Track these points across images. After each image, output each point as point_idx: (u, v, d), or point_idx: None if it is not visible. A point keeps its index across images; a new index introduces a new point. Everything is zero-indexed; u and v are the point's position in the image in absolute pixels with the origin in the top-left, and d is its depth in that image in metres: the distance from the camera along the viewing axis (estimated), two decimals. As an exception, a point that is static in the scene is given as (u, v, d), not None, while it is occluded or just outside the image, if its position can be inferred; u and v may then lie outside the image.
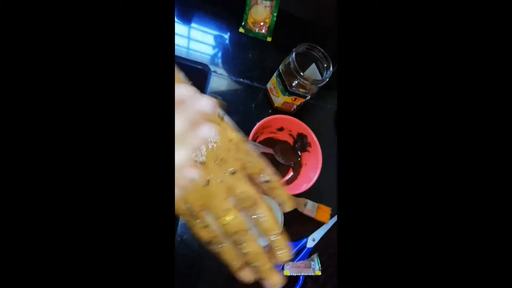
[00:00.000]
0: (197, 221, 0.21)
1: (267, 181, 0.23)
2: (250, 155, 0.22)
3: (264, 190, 0.23)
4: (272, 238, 0.22)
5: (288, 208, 0.24)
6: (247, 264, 0.22)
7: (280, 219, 0.42)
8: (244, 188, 0.21)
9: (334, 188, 0.46)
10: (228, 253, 0.22)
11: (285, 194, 0.23)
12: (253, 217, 0.21)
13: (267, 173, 0.23)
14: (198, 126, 0.20)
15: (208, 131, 0.20)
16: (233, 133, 0.22)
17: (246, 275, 0.22)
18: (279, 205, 0.24)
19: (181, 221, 0.40)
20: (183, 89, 0.20)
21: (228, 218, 0.21)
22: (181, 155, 0.19)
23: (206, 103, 0.20)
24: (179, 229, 0.40)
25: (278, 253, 0.22)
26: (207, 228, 0.21)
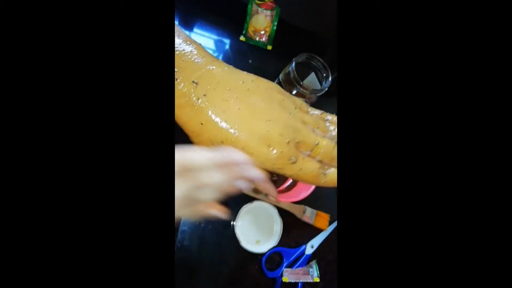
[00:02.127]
0: (295, 163, 0.22)
1: (314, 114, 0.26)
2: (292, 96, 0.26)
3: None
4: None
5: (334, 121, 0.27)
6: None
7: (280, 226, 0.42)
8: (310, 117, 0.25)
9: (332, 195, 0.47)
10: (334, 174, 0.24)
11: (333, 119, 0.27)
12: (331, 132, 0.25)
13: (311, 108, 0.27)
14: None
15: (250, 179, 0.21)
16: (272, 83, 0.26)
17: None
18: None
19: (181, 227, 0.41)
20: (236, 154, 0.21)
21: (319, 140, 0.24)
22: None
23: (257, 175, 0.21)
24: (179, 235, 0.40)
25: None
26: (311, 163, 0.23)
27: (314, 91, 0.40)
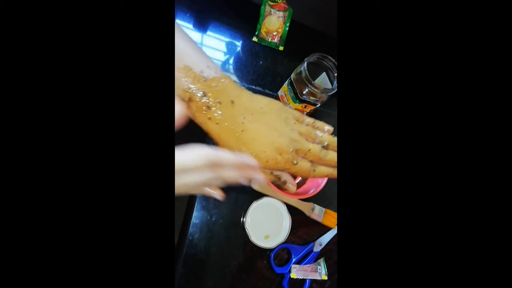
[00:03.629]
0: (296, 164, 0.32)
1: (307, 123, 0.36)
2: (293, 110, 0.35)
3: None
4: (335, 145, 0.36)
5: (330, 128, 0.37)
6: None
7: (289, 222, 0.43)
8: (304, 128, 0.34)
9: (341, 194, 0.47)
10: (323, 170, 0.35)
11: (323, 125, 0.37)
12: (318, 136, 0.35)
13: (306, 117, 0.36)
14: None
15: None
16: (279, 103, 0.34)
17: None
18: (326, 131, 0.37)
19: (193, 221, 0.42)
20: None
21: (310, 147, 0.33)
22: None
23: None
24: (190, 229, 0.41)
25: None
26: (305, 163, 0.33)
27: (325, 90, 0.41)
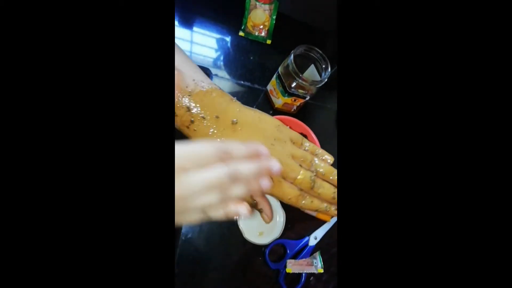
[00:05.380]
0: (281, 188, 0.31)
1: (307, 148, 0.34)
2: (291, 131, 0.34)
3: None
4: (331, 178, 0.33)
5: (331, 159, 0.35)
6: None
7: (283, 217, 0.43)
8: (299, 152, 0.32)
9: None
10: (311, 204, 0.32)
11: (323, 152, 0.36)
12: (314, 165, 0.33)
13: (306, 141, 0.34)
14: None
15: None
16: (274, 120, 0.33)
17: (333, 211, 0.34)
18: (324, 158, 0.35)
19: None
20: None
21: (300, 176, 0.31)
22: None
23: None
24: (183, 228, 0.41)
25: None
26: (292, 190, 0.31)
27: (314, 82, 0.40)
